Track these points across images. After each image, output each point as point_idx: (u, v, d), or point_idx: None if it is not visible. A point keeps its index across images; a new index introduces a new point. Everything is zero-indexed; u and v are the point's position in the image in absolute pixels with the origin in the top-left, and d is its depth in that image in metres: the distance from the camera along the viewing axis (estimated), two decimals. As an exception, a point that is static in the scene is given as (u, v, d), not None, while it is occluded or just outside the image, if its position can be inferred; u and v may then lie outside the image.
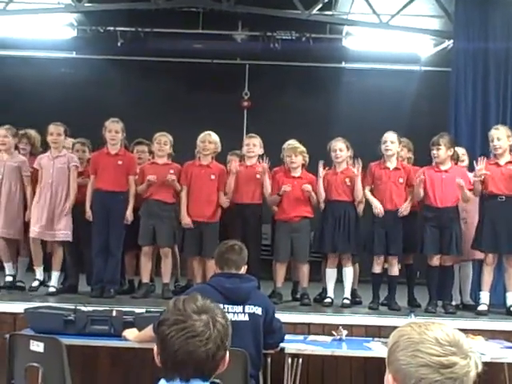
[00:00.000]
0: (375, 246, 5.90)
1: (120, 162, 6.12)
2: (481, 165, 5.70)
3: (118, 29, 9.21)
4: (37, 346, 3.84)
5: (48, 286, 6.11)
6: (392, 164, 5.99)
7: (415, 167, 6.18)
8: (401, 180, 5.95)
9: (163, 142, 6.23)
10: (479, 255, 5.96)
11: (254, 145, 6.26)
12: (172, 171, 6.19)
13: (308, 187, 6.00)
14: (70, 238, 6.07)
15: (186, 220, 6.11)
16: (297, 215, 6.09)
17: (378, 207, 5.89)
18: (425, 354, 1.46)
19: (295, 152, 6.11)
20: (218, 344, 1.69)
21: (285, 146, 6.32)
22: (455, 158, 5.99)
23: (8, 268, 6.21)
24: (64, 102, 9.18)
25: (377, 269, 5.96)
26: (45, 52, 9.71)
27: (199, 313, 1.70)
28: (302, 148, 6.18)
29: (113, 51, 9.38)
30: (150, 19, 8.98)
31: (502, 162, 5.81)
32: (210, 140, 6.17)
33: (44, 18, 9.06)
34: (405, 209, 5.89)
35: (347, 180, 6.03)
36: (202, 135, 6.21)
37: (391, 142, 5.94)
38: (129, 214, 6.06)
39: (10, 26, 9.09)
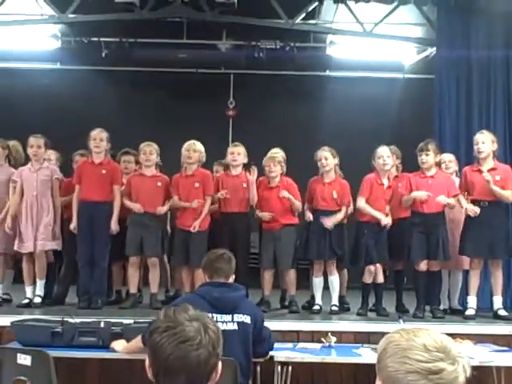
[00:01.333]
0: (368, 256, 5.88)
1: (104, 172, 6.09)
2: (469, 206, 5.78)
3: (102, 39, 9.19)
4: (24, 359, 3.80)
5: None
6: (386, 180, 6.03)
7: (403, 174, 6.25)
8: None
9: (149, 151, 6.22)
10: (468, 265, 6.00)
11: (238, 154, 6.27)
12: (159, 184, 6.22)
13: (285, 193, 6.02)
14: (58, 247, 6.06)
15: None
16: (278, 223, 6.12)
17: (385, 220, 5.88)
18: (413, 361, 1.46)
19: (274, 161, 6.13)
20: (210, 350, 1.68)
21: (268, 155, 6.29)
22: (439, 164, 6.05)
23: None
24: (48, 113, 9.12)
25: (368, 279, 5.96)
26: (29, 63, 9.65)
27: (190, 320, 1.69)
28: (280, 157, 6.15)
29: (97, 62, 9.35)
30: (134, 29, 8.97)
31: (485, 168, 5.85)
32: (194, 149, 6.17)
33: (28, 30, 9.01)
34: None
35: (334, 192, 6.05)
36: (186, 144, 6.22)
37: (387, 157, 5.98)
38: (113, 225, 6.03)
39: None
